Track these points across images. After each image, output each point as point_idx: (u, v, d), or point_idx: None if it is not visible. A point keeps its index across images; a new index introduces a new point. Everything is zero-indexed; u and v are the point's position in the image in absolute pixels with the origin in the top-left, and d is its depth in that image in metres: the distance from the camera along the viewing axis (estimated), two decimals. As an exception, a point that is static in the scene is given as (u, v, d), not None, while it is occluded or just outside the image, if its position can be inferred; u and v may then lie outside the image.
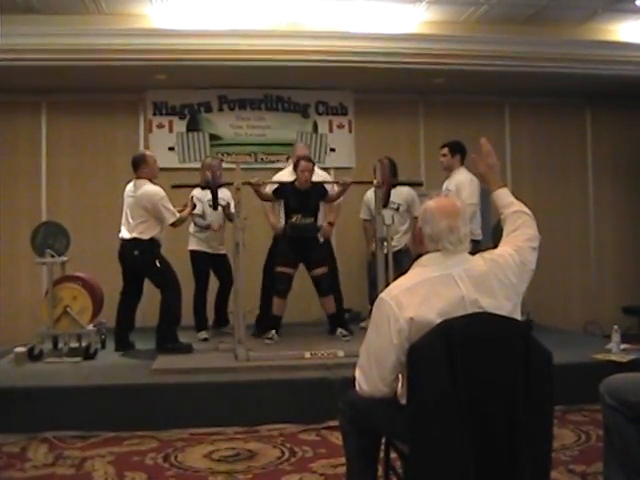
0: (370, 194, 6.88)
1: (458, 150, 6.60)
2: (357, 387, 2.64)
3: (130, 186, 6.21)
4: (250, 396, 4.95)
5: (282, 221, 6.58)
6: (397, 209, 6.80)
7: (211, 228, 6.72)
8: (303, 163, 6.32)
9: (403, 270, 2.79)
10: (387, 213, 6.21)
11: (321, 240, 6.58)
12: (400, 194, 6.89)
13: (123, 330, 6.34)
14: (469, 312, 2.41)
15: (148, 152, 6.43)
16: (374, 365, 2.53)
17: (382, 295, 2.58)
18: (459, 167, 6.57)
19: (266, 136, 8.56)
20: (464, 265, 2.57)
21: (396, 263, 6.01)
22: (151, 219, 6.03)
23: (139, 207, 6.03)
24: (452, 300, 2.45)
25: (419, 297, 2.46)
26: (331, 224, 6.81)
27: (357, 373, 2.64)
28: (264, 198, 6.41)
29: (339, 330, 6.34)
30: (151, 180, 6.15)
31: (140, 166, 6.16)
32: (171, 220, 6.04)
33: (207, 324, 6.91)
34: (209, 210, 6.67)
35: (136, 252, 6.01)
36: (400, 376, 2.56)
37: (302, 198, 6.25)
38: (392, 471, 3.01)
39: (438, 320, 2.37)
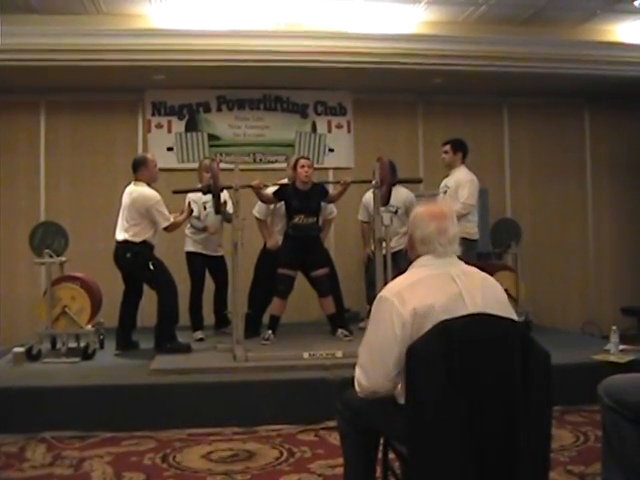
0: (369, 196, 6.87)
1: (460, 148, 6.61)
2: (357, 385, 2.64)
3: (128, 188, 6.21)
4: (248, 396, 4.95)
5: (279, 227, 6.64)
6: (396, 212, 6.79)
7: (207, 231, 6.71)
8: (302, 160, 6.37)
9: (401, 270, 2.82)
10: (385, 215, 6.20)
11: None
12: (399, 197, 6.89)
13: (125, 329, 6.36)
14: (468, 306, 2.46)
15: (150, 155, 6.42)
16: (378, 361, 2.53)
17: (382, 293, 2.61)
18: (460, 165, 6.58)
19: (265, 136, 8.56)
20: (460, 267, 2.65)
21: (394, 264, 6.00)
22: (145, 222, 6.04)
23: (134, 210, 6.03)
24: (451, 295, 2.49)
25: (420, 292, 2.50)
26: (324, 238, 6.84)
27: (357, 371, 2.64)
28: (265, 200, 6.41)
29: (340, 330, 6.35)
30: (149, 184, 6.16)
31: (140, 169, 6.17)
32: (164, 225, 6.05)
33: (203, 324, 6.90)
34: (204, 212, 6.68)
35: (128, 255, 6.02)
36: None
37: (303, 198, 6.25)
38: (390, 472, 3.01)
39: (439, 309, 2.42)
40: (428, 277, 2.58)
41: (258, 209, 6.76)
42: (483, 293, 2.55)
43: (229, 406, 4.89)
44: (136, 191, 6.09)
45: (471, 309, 2.45)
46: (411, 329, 2.43)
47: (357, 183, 6.50)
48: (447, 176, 6.67)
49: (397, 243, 6.64)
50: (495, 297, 2.59)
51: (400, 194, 6.99)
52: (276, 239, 6.66)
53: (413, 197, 7.04)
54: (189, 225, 6.74)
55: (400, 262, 6.25)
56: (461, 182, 6.44)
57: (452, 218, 2.72)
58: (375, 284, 5.67)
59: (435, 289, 2.51)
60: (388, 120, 8.73)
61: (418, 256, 2.70)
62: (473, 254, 6.43)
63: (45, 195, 8.17)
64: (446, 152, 6.65)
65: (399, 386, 2.60)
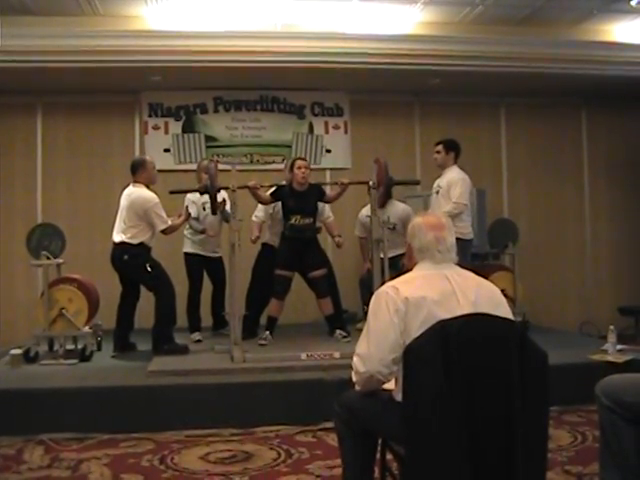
0: (365, 211, 6.91)
1: (452, 148, 6.61)
2: (354, 375, 2.69)
3: (127, 190, 6.21)
4: (246, 397, 4.94)
5: (276, 230, 6.63)
6: (393, 228, 6.75)
7: (206, 234, 6.70)
8: (299, 161, 6.38)
9: (399, 272, 2.86)
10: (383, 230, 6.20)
11: (338, 241, 6.72)
12: (395, 213, 6.92)
13: (122, 331, 6.35)
14: (461, 303, 2.52)
15: (148, 158, 6.41)
16: (373, 346, 2.58)
17: (379, 289, 2.71)
18: (452, 165, 6.58)
19: (262, 137, 8.56)
20: (455, 269, 2.71)
21: (393, 269, 5.98)
22: (142, 224, 6.03)
23: (132, 211, 6.03)
24: (444, 291, 2.57)
25: (413, 286, 2.59)
26: (339, 235, 6.81)
27: (355, 360, 2.68)
28: (262, 201, 6.40)
29: (338, 331, 6.34)
30: (148, 186, 6.16)
31: (138, 171, 6.17)
32: (161, 227, 6.05)
33: (200, 325, 6.89)
34: (203, 213, 6.67)
35: (125, 257, 6.02)
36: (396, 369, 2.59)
37: (300, 199, 6.26)
38: (388, 473, 3.01)
39: (431, 301, 2.50)
40: (422, 275, 2.67)
41: (257, 213, 6.77)
42: (477, 292, 2.59)
43: (227, 407, 4.89)
44: (135, 193, 6.09)
45: (464, 306, 2.50)
46: (405, 316, 2.51)
47: (355, 184, 6.49)
48: (440, 176, 6.66)
49: (396, 251, 6.57)
50: (489, 297, 2.62)
51: (396, 210, 7.03)
52: (256, 233, 6.69)
53: (410, 211, 7.02)
54: (187, 226, 6.73)
55: (398, 266, 6.24)
56: (453, 182, 6.43)
57: (450, 228, 2.80)
58: (372, 286, 5.66)
59: (428, 285, 2.59)
60: (385, 121, 8.73)
61: (416, 264, 2.77)
62: (468, 254, 6.43)
63: (42, 197, 8.17)
64: (438, 152, 6.65)
65: (394, 382, 2.64)
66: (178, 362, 5.59)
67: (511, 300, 6.88)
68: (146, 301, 6.51)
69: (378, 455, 2.94)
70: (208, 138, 8.44)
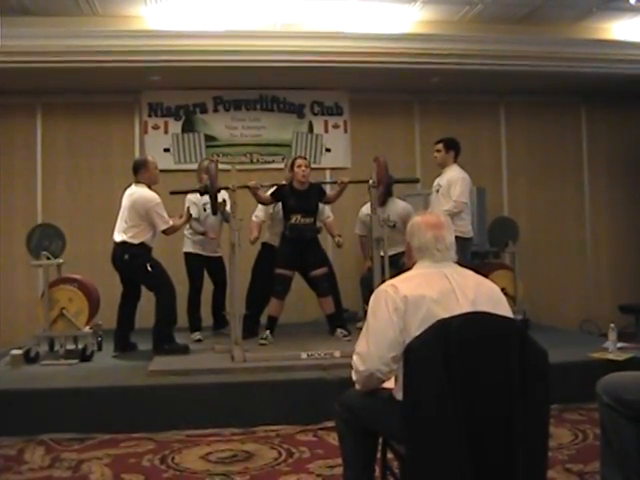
0: (365, 209, 6.91)
1: (452, 146, 6.61)
2: (354, 374, 2.70)
3: (129, 190, 6.21)
4: (247, 397, 4.94)
5: (276, 230, 6.62)
6: (393, 226, 6.75)
7: (206, 236, 6.69)
8: (299, 160, 6.37)
9: (399, 270, 2.87)
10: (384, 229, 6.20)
11: (338, 240, 6.67)
12: (395, 211, 6.92)
13: (123, 331, 6.35)
14: (460, 301, 2.52)
15: (150, 158, 6.41)
16: (373, 344, 2.58)
17: (378, 288, 2.71)
18: (452, 164, 6.58)
19: (262, 137, 8.56)
20: (455, 268, 2.71)
21: (394, 267, 5.97)
22: (144, 224, 6.04)
23: (134, 211, 6.03)
24: (443, 290, 2.57)
25: (413, 284, 2.60)
26: (339, 235, 6.78)
27: (354, 358, 2.69)
28: (262, 201, 6.40)
29: (339, 330, 6.34)
30: (150, 186, 6.16)
31: (140, 171, 6.17)
32: (163, 227, 6.05)
33: (201, 325, 6.89)
34: (204, 214, 6.67)
35: (126, 256, 6.02)
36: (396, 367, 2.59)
37: (301, 198, 6.25)
38: (389, 472, 3.01)
39: (430, 300, 2.51)
40: (421, 274, 2.67)
41: (257, 213, 6.77)
42: (476, 291, 2.59)
43: (227, 407, 4.88)
44: (137, 192, 6.09)
45: (463, 305, 2.50)
46: (404, 315, 2.51)
47: (355, 183, 6.49)
48: (440, 175, 6.67)
49: (396, 249, 6.57)
50: (489, 295, 2.62)
51: (397, 208, 7.03)
52: (255, 234, 6.68)
53: (410, 209, 7.02)
54: (188, 226, 6.72)
55: (398, 264, 6.24)
56: (453, 180, 6.43)
57: (449, 227, 2.80)
58: (373, 285, 5.65)
59: (427, 283, 2.59)
60: (385, 120, 8.73)
61: (415, 263, 2.77)
62: (468, 253, 6.44)
63: (42, 197, 8.17)
64: (438, 151, 6.65)
65: (394, 380, 2.64)
66: (179, 362, 5.60)
67: (511, 298, 6.89)
68: (147, 301, 6.51)
69: (379, 454, 2.94)
70: (208, 138, 8.44)
